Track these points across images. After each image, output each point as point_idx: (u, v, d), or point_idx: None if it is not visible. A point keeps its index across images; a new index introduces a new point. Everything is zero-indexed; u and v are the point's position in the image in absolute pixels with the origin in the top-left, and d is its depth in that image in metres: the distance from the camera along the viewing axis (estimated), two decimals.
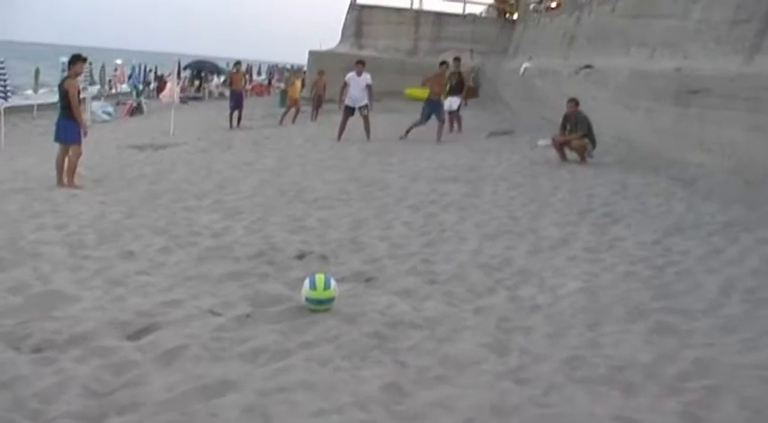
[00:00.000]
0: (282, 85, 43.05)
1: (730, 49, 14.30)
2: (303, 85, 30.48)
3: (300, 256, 8.14)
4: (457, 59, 23.11)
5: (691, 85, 14.64)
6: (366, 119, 19.82)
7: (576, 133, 15.46)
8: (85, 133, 13.03)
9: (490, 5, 38.72)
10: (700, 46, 15.60)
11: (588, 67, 20.70)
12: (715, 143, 13.56)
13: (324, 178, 13.66)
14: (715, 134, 13.61)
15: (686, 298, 6.90)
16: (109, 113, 30.91)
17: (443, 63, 21.33)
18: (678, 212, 10.75)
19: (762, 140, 12.29)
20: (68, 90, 12.64)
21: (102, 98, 36.36)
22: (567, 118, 15.74)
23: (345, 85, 20.07)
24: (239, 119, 24.47)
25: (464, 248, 8.75)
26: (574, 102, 15.76)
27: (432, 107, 20.25)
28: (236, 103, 24.71)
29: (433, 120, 19.87)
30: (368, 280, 7.31)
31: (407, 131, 19.96)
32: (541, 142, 17.74)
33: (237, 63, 28.27)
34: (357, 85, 19.88)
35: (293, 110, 26.64)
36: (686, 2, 16.85)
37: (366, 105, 19.82)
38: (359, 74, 20.00)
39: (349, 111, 19.94)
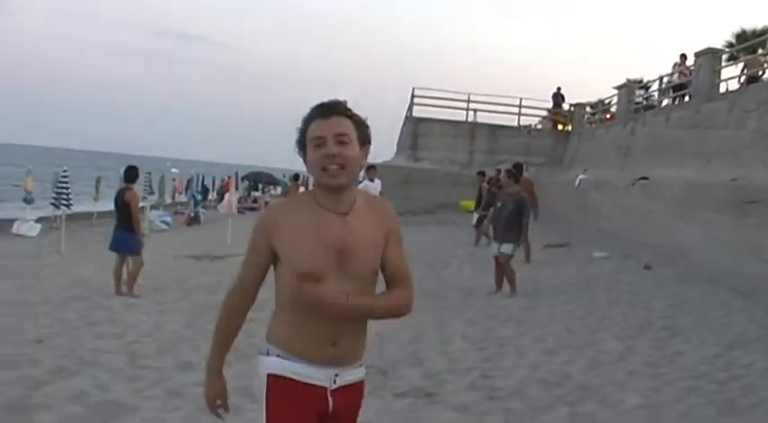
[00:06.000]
0: None
1: None
2: None
3: None
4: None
5: (748, 195, 14.56)
6: None
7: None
8: (142, 244, 13.23)
9: (544, 117, 38.89)
10: (756, 156, 15.56)
11: (644, 178, 20.69)
12: None
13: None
14: None
15: (752, 413, 6.71)
16: (167, 223, 31.37)
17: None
18: (739, 325, 10.52)
19: None
20: (130, 201, 12.89)
21: (161, 207, 36.97)
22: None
23: None
24: None
25: (523, 363, 8.63)
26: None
27: None
28: None
29: None
30: (428, 395, 7.22)
31: None
32: (597, 254, 17.63)
33: (296, 176, 28.63)
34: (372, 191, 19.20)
35: None
36: (741, 112, 16.88)
37: None
38: (371, 180, 19.66)
39: None
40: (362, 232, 3.17)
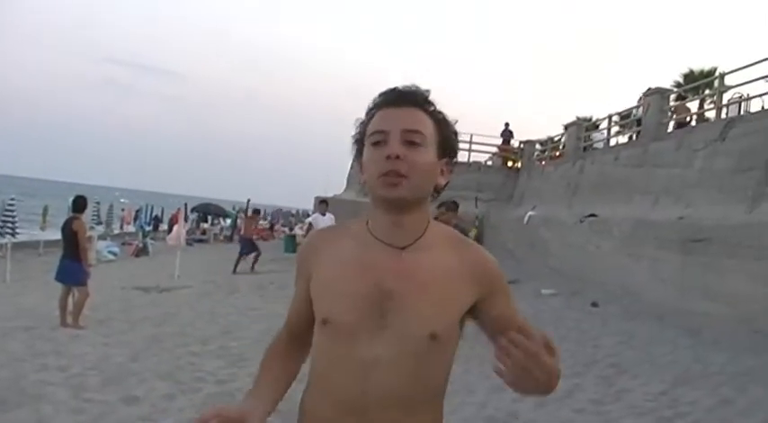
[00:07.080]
0: (287, 231, 43.41)
1: (733, 198, 14.46)
2: None
3: None
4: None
5: (694, 233, 14.75)
6: None
7: None
8: (88, 275, 13.09)
9: (494, 154, 39.11)
10: (702, 195, 15.78)
11: (592, 216, 20.88)
12: (720, 292, 13.57)
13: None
14: (720, 283, 13.64)
15: None
16: (114, 253, 31.03)
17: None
18: (685, 362, 10.63)
19: (767, 289, 12.30)
20: (78, 231, 12.76)
21: (108, 238, 36.62)
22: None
23: (311, 226, 19.92)
24: (254, 263, 24.34)
25: (470, 401, 8.64)
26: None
27: None
28: (247, 248, 24.68)
29: None
30: None
31: None
32: (545, 291, 17.73)
33: (256, 211, 28.70)
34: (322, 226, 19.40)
35: None
36: (688, 151, 17.13)
37: None
38: (323, 214, 20.03)
39: None
40: (422, 277, 2.20)
